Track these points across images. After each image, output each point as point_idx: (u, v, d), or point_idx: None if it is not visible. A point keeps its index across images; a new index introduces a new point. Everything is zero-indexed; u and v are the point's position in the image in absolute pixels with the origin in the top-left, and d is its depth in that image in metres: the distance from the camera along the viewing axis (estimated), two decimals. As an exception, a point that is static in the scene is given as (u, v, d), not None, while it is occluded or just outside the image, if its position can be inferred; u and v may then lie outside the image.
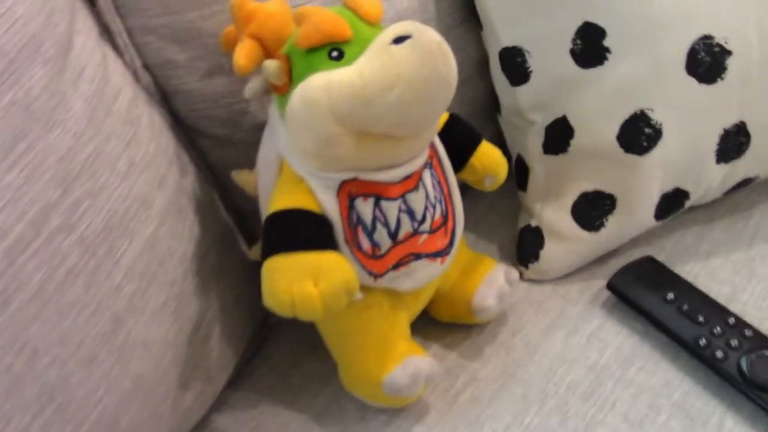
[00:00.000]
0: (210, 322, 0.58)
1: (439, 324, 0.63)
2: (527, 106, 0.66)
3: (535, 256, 0.66)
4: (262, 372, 0.64)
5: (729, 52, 0.60)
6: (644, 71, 0.60)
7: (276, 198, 0.52)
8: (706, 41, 0.59)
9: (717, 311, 0.58)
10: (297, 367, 0.63)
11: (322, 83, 0.48)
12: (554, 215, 0.66)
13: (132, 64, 0.59)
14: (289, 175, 0.52)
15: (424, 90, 0.46)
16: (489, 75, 0.70)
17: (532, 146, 0.67)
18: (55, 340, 0.46)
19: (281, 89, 0.51)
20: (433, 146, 0.56)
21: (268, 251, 0.49)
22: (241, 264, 0.64)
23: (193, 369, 0.56)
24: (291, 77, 0.51)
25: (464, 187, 0.60)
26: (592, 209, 0.65)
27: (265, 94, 0.55)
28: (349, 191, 0.51)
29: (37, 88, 0.47)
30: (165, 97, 0.61)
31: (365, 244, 0.52)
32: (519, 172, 0.70)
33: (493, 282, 0.61)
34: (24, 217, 0.45)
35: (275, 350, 0.66)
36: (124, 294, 0.50)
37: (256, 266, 0.51)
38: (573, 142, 0.64)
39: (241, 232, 0.66)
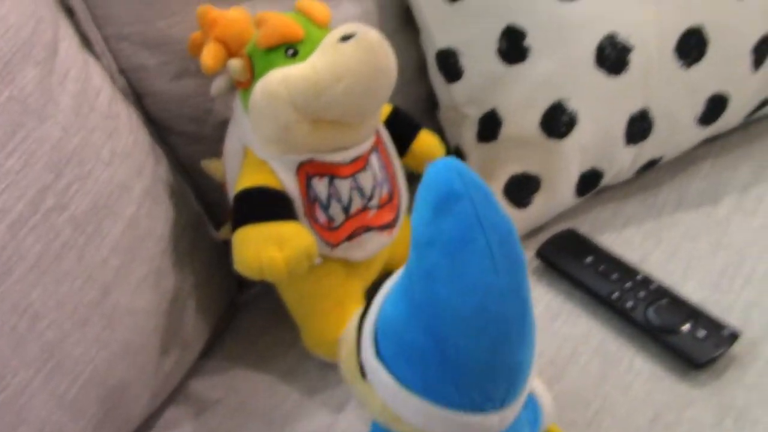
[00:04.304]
0: (186, 296, 0.65)
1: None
2: (461, 101, 0.75)
3: (473, 233, 0.75)
4: (233, 343, 0.71)
5: (631, 48, 0.69)
6: (560, 66, 0.70)
7: (242, 179, 0.59)
8: (611, 39, 0.69)
9: (628, 271, 0.67)
10: (263, 336, 0.70)
11: (280, 77, 0.56)
12: (488, 196, 0.75)
13: (109, 69, 0.66)
14: (252, 160, 0.59)
15: (368, 81, 0.54)
16: (428, 76, 0.79)
17: (467, 137, 0.76)
18: (53, 305, 0.52)
19: (244, 84, 0.59)
20: (378, 134, 0.64)
21: (238, 223, 0.56)
22: (212, 248, 0.71)
23: (172, 337, 0.63)
24: (253, 74, 0.58)
25: (411, 177, 0.68)
26: (521, 189, 0.73)
27: (229, 92, 0.62)
28: (307, 171, 0.58)
29: (30, 86, 0.53)
30: (138, 98, 0.68)
31: (322, 217, 0.60)
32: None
33: (435, 254, 0.69)
34: (23, 197, 0.51)
35: (244, 324, 0.73)
36: (111, 266, 0.57)
37: (226, 251, 0.59)
38: (502, 130, 0.73)
39: (210, 220, 0.73)
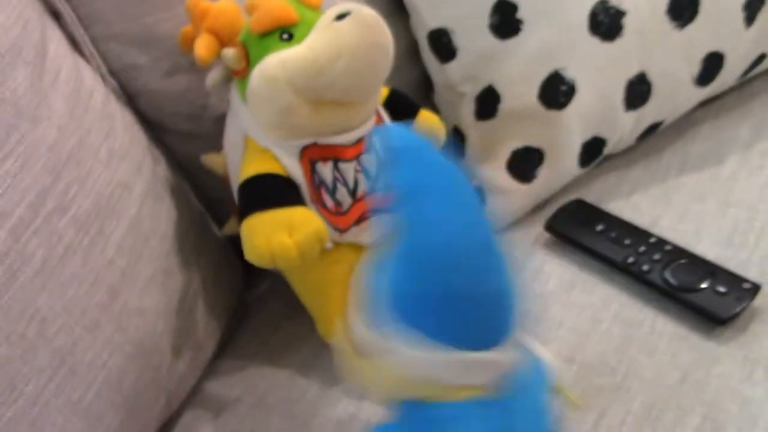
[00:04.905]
0: (194, 295, 0.63)
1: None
2: (457, 80, 0.74)
3: (479, 211, 0.74)
4: (246, 341, 0.70)
5: (623, 12, 0.69)
6: (554, 36, 0.69)
7: (245, 168, 0.58)
8: (604, 4, 0.68)
9: (640, 234, 0.66)
10: (276, 332, 0.69)
11: (277, 61, 0.54)
12: (492, 173, 0.74)
13: (99, 70, 0.64)
14: (255, 148, 0.58)
15: (367, 57, 0.53)
16: (419, 61, 0.78)
17: (465, 115, 0.75)
18: (61, 309, 0.51)
19: (241, 73, 0.58)
20: (379, 115, 0.63)
21: (245, 212, 0.55)
22: (218, 246, 0.69)
23: (183, 337, 0.62)
24: (248, 62, 0.57)
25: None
26: (524, 163, 0.72)
27: (225, 83, 0.61)
28: (310, 156, 0.57)
29: (22, 88, 0.52)
30: (131, 99, 0.67)
31: (329, 202, 0.58)
32: (456, 141, 0.78)
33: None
34: (23, 200, 0.50)
35: (255, 322, 0.72)
36: (117, 267, 0.55)
37: (232, 249, 0.57)
38: (500, 106, 0.72)
39: (213, 218, 0.72)
